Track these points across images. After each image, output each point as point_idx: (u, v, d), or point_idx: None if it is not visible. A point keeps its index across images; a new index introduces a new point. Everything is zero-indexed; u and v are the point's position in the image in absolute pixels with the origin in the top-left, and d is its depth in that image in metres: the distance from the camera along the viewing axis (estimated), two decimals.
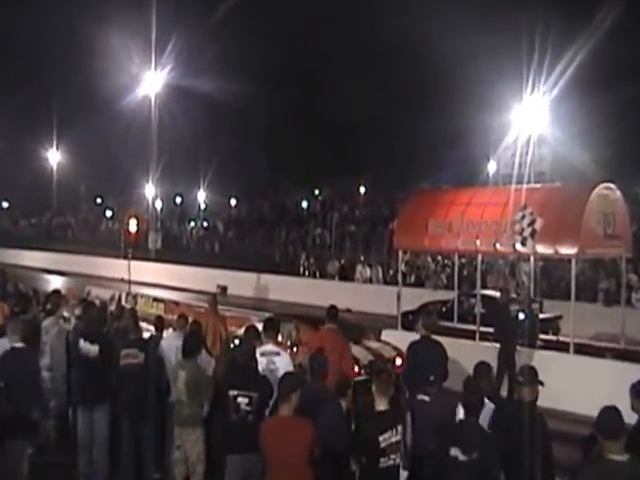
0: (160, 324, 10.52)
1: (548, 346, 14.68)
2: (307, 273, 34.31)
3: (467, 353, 12.59)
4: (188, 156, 60.24)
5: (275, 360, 8.23)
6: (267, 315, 14.65)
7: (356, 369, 12.61)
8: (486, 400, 6.92)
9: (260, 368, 7.89)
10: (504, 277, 24.52)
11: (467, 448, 5.94)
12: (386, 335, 15.54)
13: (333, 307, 10.09)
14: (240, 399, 7.22)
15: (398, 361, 12.77)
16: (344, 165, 59.64)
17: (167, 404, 8.71)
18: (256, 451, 6.80)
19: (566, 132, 34.91)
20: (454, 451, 5.97)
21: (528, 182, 25.98)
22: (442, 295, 21.39)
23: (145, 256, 35.11)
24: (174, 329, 10.39)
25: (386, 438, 6.35)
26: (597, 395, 8.57)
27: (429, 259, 29.97)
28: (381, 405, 6.56)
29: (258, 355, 8.09)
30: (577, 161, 32.99)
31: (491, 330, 14.38)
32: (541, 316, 16.53)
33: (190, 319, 10.69)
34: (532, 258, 17.36)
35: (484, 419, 6.74)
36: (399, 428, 6.48)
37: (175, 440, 8.12)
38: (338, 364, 8.91)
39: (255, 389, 7.27)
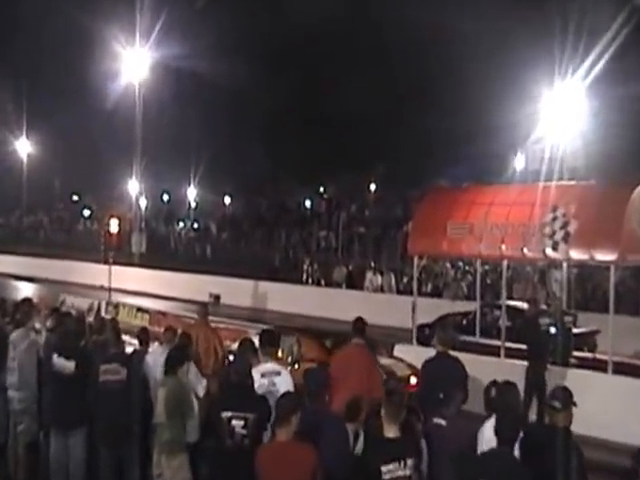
0: (145, 337, 10.50)
1: (583, 365, 14.65)
2: (310, 280, 34.32)
3: (491, 372, 12.52)
4: (177, 148, 60.40)
5: (275, 381, 8.20)
6: (264, 327, 14.63)
7: (414, 381, 12.71)
8: None
9: (260, 392, 7.88)
10: (533, 286, 24.49)
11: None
12: (399, 351, 15.55)
13: (360, 320, 10.03)
14: (235, 422, 7.20)
15: (413, 380, 12.77)
16: (352, 160, 59.67)
17: (151, 427, 8.71)
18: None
19: (603, 123, 34.89)
20: None
21: (560, 179, 25.97)
22: (462, 306, 21.37)
23: (128, 261, 35.20)
24: (160, 343, 10.39)
25: (391, 470, 6.20)
26: (637, 421, 8.57)
27: (448, 265, 29.95)
28: (390, 432, 6.43)
29: (258, 376, 8.08)
30: (615, 155, 32.98)
31: (518, 346, 14.36)
32: (575, 330, 16.53)
33: (179, 332, 10.67)
34: (565, 265, 17.33)
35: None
36: (409, 462, 6.28)
37: (154, 469, 8.11)
38: (366, 384, 8.89)
39: (251, 410, 7.25)
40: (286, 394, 7.05)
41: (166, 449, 7.90)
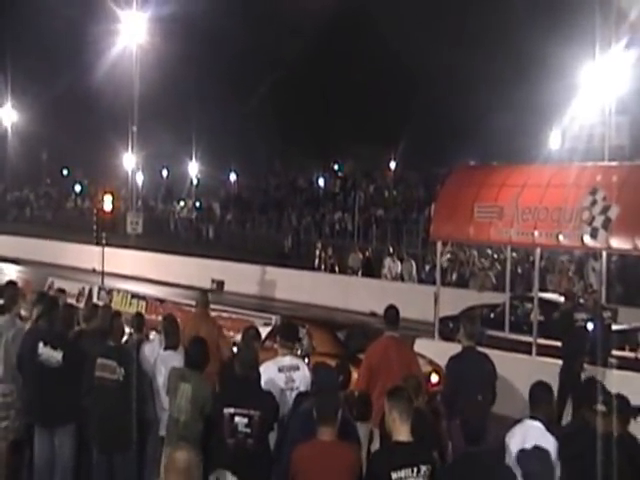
0: (140, 323, 10.46)
1: (623, 365, 14.63)
2: (323, 267, 34.35)
3: (521, 370, 12.63)
4: (177, 119, 60.37)
5: (294, 377, 8.23)
6: (277, 318, 14.71)
7: (435, 379, 12.71)
8: (546, 432, 6.95)
9: (277, 387, 7.92)
10: (568, 277, 24.46)
11: None
12: (420, 346, 15.56)
13: (392, 308, 10.02)
14: (238, 419, 7.24)
15: (434, 378, 12.81)
16: (370, 135, 59.56)
17: (147, 425, 8.74)
18: None
19: None
20: None
21: (601, 159, 25.86)
22: (490, 298, 21.38)
23: (122, 242, 35.26)
24: (158, 332, 10.40)
25: (401, 477, 6.19)
26: None
27: (475, 253, 29.93)
28: (401, 434, 6.41)
29: (275, 370, 8.12)
30: None
31: (552, 343, 14.36)
32: (615, 327, 16.48)
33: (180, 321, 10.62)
34: (604, 254, 17.29)
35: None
36: (424, 469, 6.26)
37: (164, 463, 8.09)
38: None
39: (256, 406, 7.29)
40: (327, 391, 7.06)
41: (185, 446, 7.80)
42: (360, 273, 31.54)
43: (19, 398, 9.70)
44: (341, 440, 6.55)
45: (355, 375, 9.95)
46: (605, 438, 6.63)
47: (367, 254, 33.07)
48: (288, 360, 8.41)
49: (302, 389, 7.97)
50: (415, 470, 6.23)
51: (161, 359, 9.09)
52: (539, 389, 7.33)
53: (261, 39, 54.70)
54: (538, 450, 6.57)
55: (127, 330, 10.67)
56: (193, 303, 19.27)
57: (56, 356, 9.02)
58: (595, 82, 33.15)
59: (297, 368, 8.35)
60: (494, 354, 10.13)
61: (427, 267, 29.93)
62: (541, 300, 16.94)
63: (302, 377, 8.23)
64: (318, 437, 6.53)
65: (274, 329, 9.52)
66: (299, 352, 12.79)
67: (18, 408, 9.71)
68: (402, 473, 6.18)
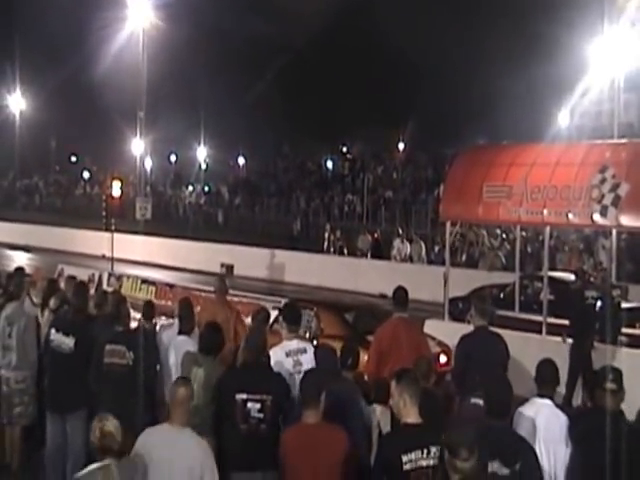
0: (150, 311, 10.50)
1: (633, 343, 14.60)
2: (332, 249, 34.36)
3: (531, 350, 12.58)
4: (185, 104, 60.38)
5: (302, 360, 8.20)
6: (285, 301, 14.64)
7: (444, 359, 12.72)
8: (557, 410, 6.95)
9: (285, 372, 7.91)
10: (578, 256, 24.41)
11: (507, 459, 5.97)
12: (430, 326, 15.54)
13: (401, 289, 9.97)
14: (250, 404, 7.23)
15: (442, 358, 12.80)
16: (378, 116, 59.42)
17: (158, 411, 8.74)
18: (270, 468, 6.85)
19: None
20: (493, 466, 6.00)
21: (610, 136, 25.75)
22: (500, 278, 21.35)
23: (131, 228, 35.32)
24: (168, 318, 10.40)
25: (412, 459, 6.14)
26: None
27: (484, 233, 29.88)
28: (409, 416, 6.35)
29: (282, 355, 8.11)
30: None
31: (562, 322, 14.34)
32: (625, 305, 16.45)
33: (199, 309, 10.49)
34: (614, 232, 17.23)
35: (554, 432, 6.78)
36: (434, 450, 6.18)
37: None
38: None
39: (268, 391, 7.27)
40: (310, 371, 7.06)
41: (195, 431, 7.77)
42: (369, 255, 31.54)
43: (32, 384, 9.78)
44: (327, 423, 6.52)
45: (364, 357, 10.00)
46: (615, 416, 6.61)
47: (376, 236, 33.06)
48: (295, 344, 8.40)
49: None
50: (425, 451, 6.18)
51: (174, 344, 9.10)
52: (546, 367, 7.31)
53: (269, 23, 54.60)
54: None
55: (136, 315, 10.69)
56: (203, 287, 19.41)
57: (68, 342, 9.05)
58: (603, 60, 32.96)
59: (304, 351, 8.33)
60: (504, 334, 10.09)
61: (436, 248, 29.90)
62: (551, 279, 16.91)
63: (309, 360, 8.19)
64: (302, 420, 6.54)
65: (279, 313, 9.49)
66: (307, 335, 12.85)
67: (32, 394, 9.80)
68: (412, 455, 6.14)
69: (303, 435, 6.51)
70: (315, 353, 8.08)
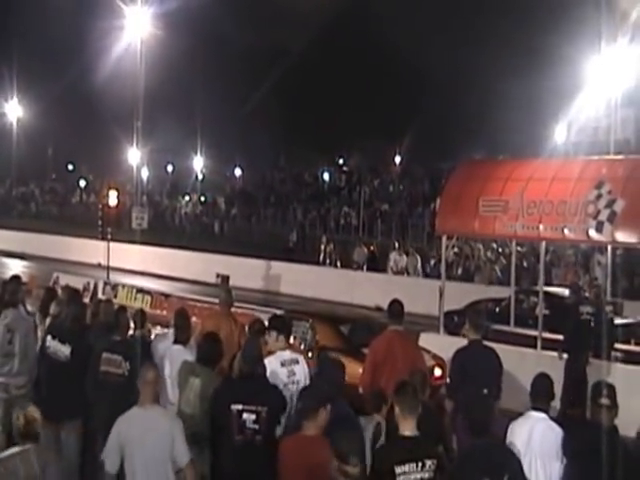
0: (142, 319, 10.37)
1: (628, 359, 14.63)
2: (328, 261, 34.40)
3: (526, 364, 12.61)
4: (182, 115, 60.45)
5: (295, 370, 8.22)
6: (275, 313, 14.62)
7: (439, 373, 12.72)
8: (552, 423, 6.98)
9: (280, 382, 7.93)
10: (574, 271, 24.45)
11: (495, 474, 6.00)
12: (425, 340, 15.58)
13: (397, 302, 9.99)
14: (246, 415, 7.23)
15: (437, 372, 12.82)
16: (375, 128, 59.54)
17: None
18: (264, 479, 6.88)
19: None
20: None
21: (607, 152, 25.83)
22: (496, 292, 21.36)
23: (128, 237, 35.31)
24: (169, 327, 10.35)
25: (405, 472, 6.15)
26: None
27: (480, 247, 29.92)
28: (406, 429, 6.39)
29: (278, 365, 8.12)
30: None
31: (557, 337, 14.36)
32: (620, 321, 16.47)
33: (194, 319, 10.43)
34: (609, 248, 17.28)
35: (550, 446, 6.81)
36: (429, 463, 6.22)
37: None
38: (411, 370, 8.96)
39: (263, 402, 7.28)
40: (315, 385, 7.05)
41: (189, 440, 7.78)
42: (365, 267, 31.58)
43: (32, 391, 9.70)
44: (325, 436, 6.51)
45: (358, 369, 10.01)
46: (609, 432, 6.65)
47: (372, 248, 33.10)
48: (288, 354, 8.42)
49: (302, 383, 7.97)
50: (420, 465, 6.19)
51: (169, 353, 9.07)
52: (541, 381, 7.35)
53: (266, 33, 54.71)
54: None
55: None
56: (198, 297, 19.40)
57: (64, 350, 9.03)
58: (600, 76, 33.09)
59: (297, 362, 8.36)
60: (499, 348, 10.12)
61: (432, 261, 29.94)
62: (546, 294, 16.94)
63: (302, 371, 8.25)
64: (302, 432, 6.56)
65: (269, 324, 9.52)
66: (302, 346, 12.85)
67: (31, 400, 9.75)
68: (406, 467, 6.14)
69: (300, 445, 6.53)
70: (320, 365, 8.08)
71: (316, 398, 6.61)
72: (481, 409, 6.65)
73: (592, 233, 14.43)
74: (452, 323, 17.40)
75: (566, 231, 14.81)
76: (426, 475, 6.19)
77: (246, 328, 11.17)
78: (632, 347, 15.97)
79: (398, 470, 6.13)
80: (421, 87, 58.42)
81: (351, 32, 59.35)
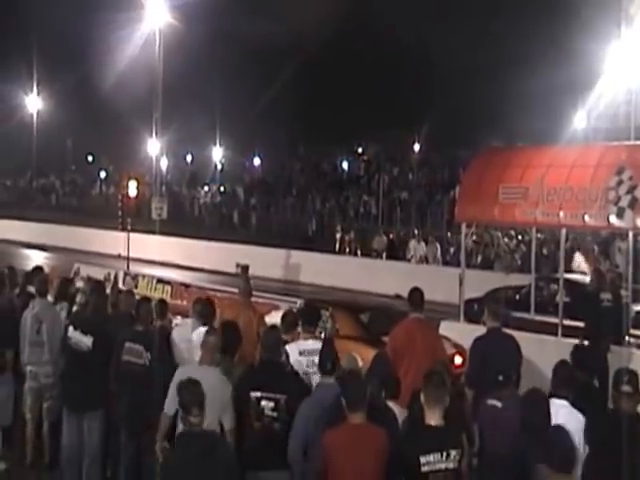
0: (163, 310, 10.39)
1: None
2: (348, 250, 34.41)
3: (547, 351, 12.56)
4: (201, 104, 60.42)
5: (316, 360, 8.20)
6: (301, 301, 14.67)
7: (459, 361, 12.68)
8: (574, 410, 6.96)
9: (299, 371, 7.94)
10: (595, 258, 24.33)
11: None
12: (445, 328, 15.52)
13: (417, 290, 10.00)
14: (264, 402, 7.26)
15: (458, 360, 12.78)
16: (394, 117, 59.39)
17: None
18: (283, 467, 6.89)
19: None
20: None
21: (627, 138, 25.65)
22: (516, 280, 21.31)
23: (147, 228, 35.42)
24: (187, 317, 10.37)
25: (430, 461, 6.16)
26: None
27: (499, 234, 29.83)
28: (432, 419, 6.38)
29: (296, 353, 8.13)
30: None
31: (577, 324, 14.31)
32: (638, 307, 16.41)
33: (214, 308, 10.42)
34: (631, 234, 17.18)
35: (572, 431, 6.78)
36: (453, 453, 6.24)
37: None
38: (432, 359, 8.94)
39: (283, 390, 7.31)
40: (356, 375, 7.04)
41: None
42: (385, 256, 31.55)
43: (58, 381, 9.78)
44: (370, 424, 6.53)
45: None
46: (631, 419, 6.62)
47: (391, 237, 33.10)
48: (311, 344, 8.41)
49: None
50: (445, 454, 6.20)
51: (192, 343, 9.07)
52: (563, 368, 7.33)
53: (285, 23, 54.60)
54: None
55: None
56: (219, 287, 19.45)
57: (86, 341, 9.08)
58: (620, 61, 32.86)
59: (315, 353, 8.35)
60: (520, 336, 10.10)
61: (452, 249, 29.88)
62: (567, 281, 16.87)
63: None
64: (349, 421, 6.52)
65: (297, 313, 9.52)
66: (322, 335, 12.85)
67: (59, 389, 9.81)
68: (431, 457, 6.16)
69: (349, 435, 6.49)
70: (374, 359, 8.04)
71: (361, 388, 6.59)
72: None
73: (613, 219, 14.34)
74: (472, 311, 17.36)
75: (586, 218, 14.72)
76: (451, 465, 6.21)
77: (265, 318, 11.25)
78: None
79: (423, 460, 6.14)
80: (440, 75, 58.13)
81: (368, 23, 59.10)
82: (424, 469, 6.13)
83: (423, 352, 9.19)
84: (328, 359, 7.59)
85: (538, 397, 7.04)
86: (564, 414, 6.93)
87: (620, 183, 14.16)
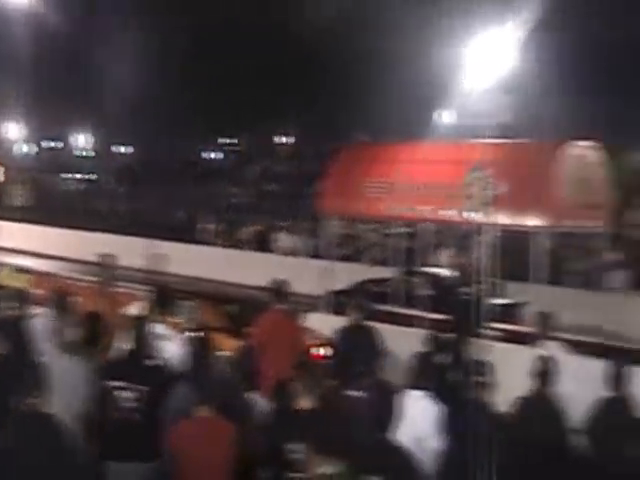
0: (21, 300, 10.11)
1: (505, 338, 15.03)
2: (215, 241, 34.22)
3: (410, 343, 12.84)
4: (65, 88, 58.93)
5: (165, 347, 8.20)
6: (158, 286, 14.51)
7: (324, 352, 12.72)
8: (431, 400, 7.17)
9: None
10: (455, 252, 24.92)
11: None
12: (311, 319, 15.66)
13: (282, 281, 10.12)
14: (125, 393, 7.20)
15: (322, 351, 12.92)
16: (263, 109, 59.38)
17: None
18: (143, 460, 6.90)
19: (545, 75, 35.27)
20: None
21: (488, 136, 26.38)
22: (381, 272, 21.64)
23: (6, 215, 34.43)
24: (45, 306, 10.18)
25: (299, 450, 6.26)
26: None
27: (366, 228, 30.21)
28: (302, 405, 6.58)
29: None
30: (552, 114, 33.48)
31: (439, 316, 14.66)
32: (497, 301, 16.92)
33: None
34: (489, 229, 17.69)
35: (429, 422, 6.98)
36: (321, 440, 6.24)
37: None
38: (295, 353, 9.02)
39: (144, 382, 7.27)
40: (205, 368, 7.06)
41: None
42: (253, 247, 31.53)
43: None
44: (217, 417, 6.61)
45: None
46: (486, 409, 6.86)
47: (259, 228, 33.07)
48: (161, 329, 8.39)
49: (172, 361, 7.93)
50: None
51: (48, 332, 8.91)
52: (422, 359, 7.54)
53: (159, 14, 53.79)
54: None
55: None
56: (81, 277, 19.06)
57: None
58: (482, 61, 33.68)
59: (168, 339, 8.34)
60: (383, 328, 10.32)
61: (319, 242, 30.08)
62: (429, 274, 17.29)
63: (173, 349, 8.22)
64: (195, 414, 6.60)
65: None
66: (186, 326, 12.75)
67: None
68: (300, 446, 6.22)
69: (194, 427, 6.57)
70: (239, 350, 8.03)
71: (209, 381, 6.72)
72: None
73: (472, 215, 14.76)
74: (338, 303, 17.57)
75: (447, 212, 15.14)
76: None
77: (122, 306, 11.18)
78: (509, 327, 16.43)
79: (290, 448, 6.26)
80: (312, 70, 58.43)
81: (242, 16, 58.76)
82: (292, 457, 6.24)
83: (287, 343, 9.29)
84: (195, 356, 7.61)
85: (385, 389, 7.22)
86: (421, 405, 7.12)
87: (478, 179, 14.58)
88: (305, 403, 6.57)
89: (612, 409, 7.74)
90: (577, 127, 27.89)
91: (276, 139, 63.17)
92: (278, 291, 10.12)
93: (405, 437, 6.67)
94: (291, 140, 64.87)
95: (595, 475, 7.42)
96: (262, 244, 31.42)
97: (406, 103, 43.94)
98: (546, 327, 10.58)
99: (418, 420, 6.99)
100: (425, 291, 16.41)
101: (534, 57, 34.48)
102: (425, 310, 15.80)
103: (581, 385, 8.86)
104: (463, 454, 6.63)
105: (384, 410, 6.25)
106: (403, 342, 13.23)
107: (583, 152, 15.12)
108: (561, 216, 14.67)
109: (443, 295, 15.46)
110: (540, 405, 7.88)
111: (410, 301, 17.56)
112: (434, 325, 14.83)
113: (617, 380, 8.01)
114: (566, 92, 35.24)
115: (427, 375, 7.58)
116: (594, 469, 7.46)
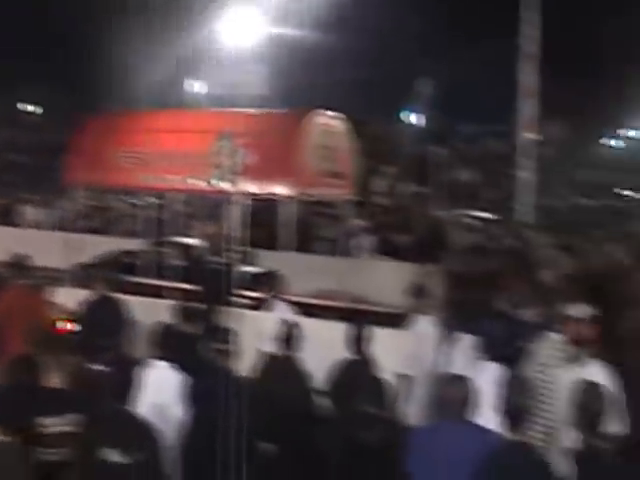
0: None
1: (253, 305, 15.30)
2: None
3: (162, 315, 12.80)
4: None
5: None
6: None
7: (68, 326, 12.30)
8: (171, 370, 7.18)
9: None
10: (205, 222, 25.06)
11: (124, 446, 5.82)
12: (58, 294, 15.27)
13: (22, 255, 9.79)
14: None
15: (67, 325, 12.65)
16: (5, 73, 56.73)
17: None
18: None
19: (302, 45, 35.82)
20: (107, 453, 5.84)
21: (243, 106, 26.68)
22: (132, 244, 21.39)
23: None
24: None
25: (49, 424, 6.19)
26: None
27: (117, 198, 29.71)
28: (51, 381, 6.44)
29: None
30: (317, 83, 34.20)
31: (191, 287, 14.73)
32: (251, 269, 17.20)
33: None
34: (238, 198, 17.91)
35: (169, 390, 6.98)
36: (74, 417, 6.24)
37: None
38: (36, 328, 8.65)
39: None
40: None
41: None
42: None
43: None
44: None
45: None
46: (228, 375, 6.96)
47: (4, 201, 31.73)
48: None
49: None
50: (66, 418, 6.25)
51: None
52: (163, 329, 7.57)
53: None
54: None
55: None
56: None
57: None
58: (237, 32, 34.00)
59: None
60: (133, 300, 10.23)
61: (67, 214, 29.26)
62: (180, 244, 17.28)
63: None
64: None
65: None
66: None
67: None
68: (49, 420, 6.18)
69: None
70: None
71: None
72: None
73: (221, 184, 14.84)
74: (86, 276, 17.22)
75: (194, 182, 15.18)
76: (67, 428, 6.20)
77: None
78: (259, 294, 16.75)
79: (40, 422, 6.15)
80: (61, 34, 56.50)
81: None
82: (41, 430, 6.13)
83: (27, 318, 9.01)
84: None
85: (125, 361, 7.20)
86: (163, 375, 7.13)
87: (223, 148, 14.66)
88: (51, 378, 6.41)
89: (352, 370, 8.09)
90: (325, 97, 28.69)
91: (20, 107, 60.49)
92: (19, 265, 9.83)
93: (145, 407, 6.68)
94: (38, 110, 62.36)
95: (336, 431, 7.72)
96: (6, 218, 30.14)
97: (157, 73, 43.46)
98: (280, 291, 10.91)
99: (160, 390, 7.01)
100: (176, 261, 16.37)
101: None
102: (176, 281, 15.80)
103: (325, 348, 9.21)
104: (210, 421, 6.73)
105: (123, 382, 6.24)
106: (152, 313, 13.20)
107: (328, 121, 15.57)
108: (308, 184, 15.08)
109: (193, 265, 15.49)
110: (284, 368, 8.11)
111: (161, 272, 17.51)
112: (184, 295, 14.93)
113: (357, 342, 8.39)
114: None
115: (170, 345, 7.59)
116: (336, 426, 7.76)
